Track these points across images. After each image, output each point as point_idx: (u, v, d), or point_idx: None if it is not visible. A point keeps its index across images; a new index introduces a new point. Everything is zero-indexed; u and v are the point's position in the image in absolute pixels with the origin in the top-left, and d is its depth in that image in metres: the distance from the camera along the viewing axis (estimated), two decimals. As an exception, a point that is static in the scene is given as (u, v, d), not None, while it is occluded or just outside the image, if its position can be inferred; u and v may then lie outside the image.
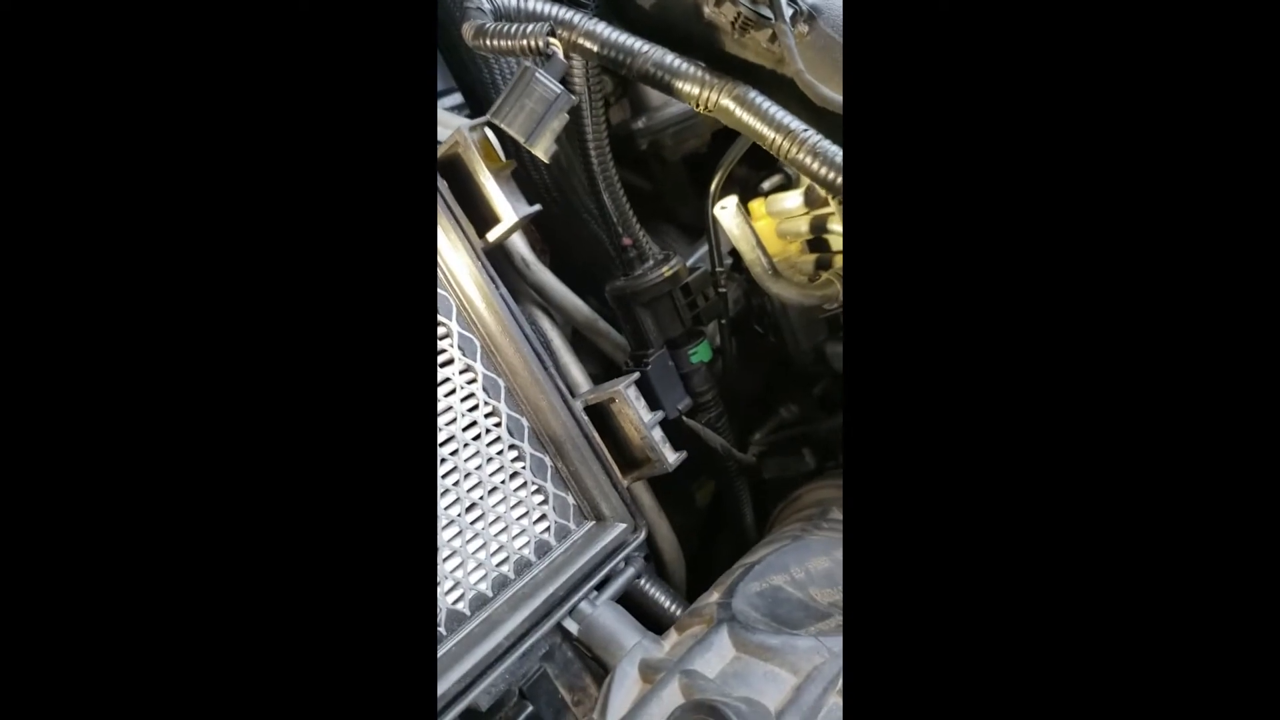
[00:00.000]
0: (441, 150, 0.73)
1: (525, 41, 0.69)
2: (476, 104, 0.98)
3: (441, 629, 0.66)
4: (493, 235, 0.73)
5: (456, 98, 1.03)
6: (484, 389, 0.72)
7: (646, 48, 0.74)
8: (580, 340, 1.01)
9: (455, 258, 0.71)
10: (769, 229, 0.95)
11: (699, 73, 0.74)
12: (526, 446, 0.73)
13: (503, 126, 0.69)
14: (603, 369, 1.03)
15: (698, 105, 0.75)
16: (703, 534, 1.14)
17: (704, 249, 1.05)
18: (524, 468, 0.73)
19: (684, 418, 0.93)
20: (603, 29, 0.74)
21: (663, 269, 0.92)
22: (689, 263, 1.03)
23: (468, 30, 0.72)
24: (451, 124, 0.88)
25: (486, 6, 0.75)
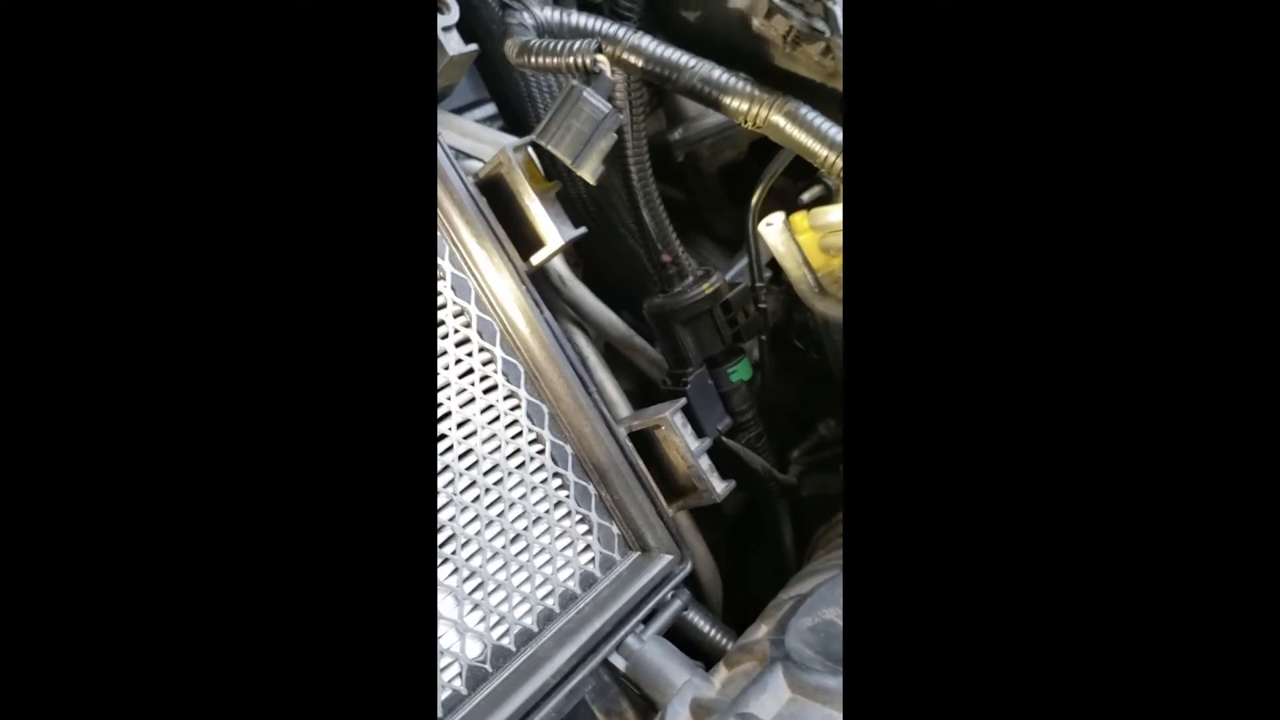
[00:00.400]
0: (485, 171, 0.71)
1: (572, 59, 0.66)
2: (511, 115, 0.96)
3: (487, 665, 0.64)
4: (537, 258, 0.71)
5: (490, 108, 1.00)
6: (528, 415, 0.70)
7: (693, 62, 0.72)
8: (613, 356, 0.99)
9: (499, 281, 0.69)
10: (811, 243, 0.93)
11: (748, 88, 0.71)
12: (570, 474, 0.71)
13: (549, 148, 0.66)
14: (637, 385, 1.01)
15: (746, 121, 0.73)
16: (730, 547, 1.12)
17: (742, 263, 1.03)
18: (568, 496, 0.71)
19: (724, 438, 0.91)
20: (648, 43, 0.72)
21: (703, 286, 0.90)
22: (728, 277, 1.00)
23: (511, 47, 0.69)
24: (487, 138, 0.86)
25: (529, 21, 0.73)
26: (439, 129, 0.79)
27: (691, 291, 0.89)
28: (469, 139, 0.86)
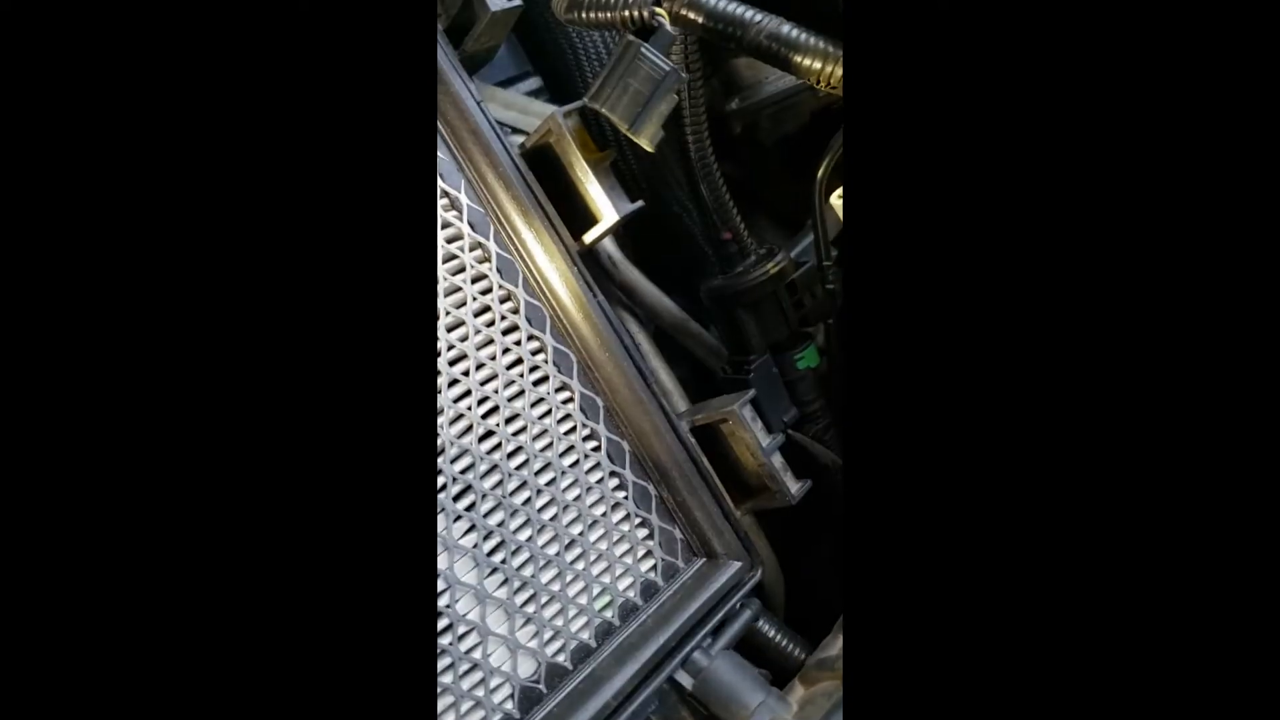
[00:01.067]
0: (532, 140, 0.64)
1: (628, 12, 0.60)
2: (559, 88, 0.90)
3: (541, 686, 0.58)
4: (590, 236, 0.64)
5: (534, 82, 0.94)
6: (581, 409, 0.64)
7: (760, 17, 0.65)
8: (664, 343, 0.92)
9: (548, 263, 0.63)
10: (884, 218, 0.85)
11: (821, 44, 0.64)
12: (628, 474, 0.65)
13: (603, 112, 0.60)
14: (690, 374, 0.94)
15: (819, 81, 0.66)
16: (786, 544, 1.05)
17: (807, 240, 0.95)
18: (626, 498, 0.65)
19: (790, 431, 0.84)
20: (708, -4, 0.65)
21: (767, 266, 0.82)
22: (792, 255, 0.93)
23: (558, 2, 0.63)
24: (533, 110, 0.80)
25: (578, -26, 0.66)
26: (484, 101, 0.73)
27: (754, 272, 0.82)
28: (513, 111, 0.80)
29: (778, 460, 0.67)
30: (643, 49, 0.59)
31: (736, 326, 0.84)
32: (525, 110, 0.80)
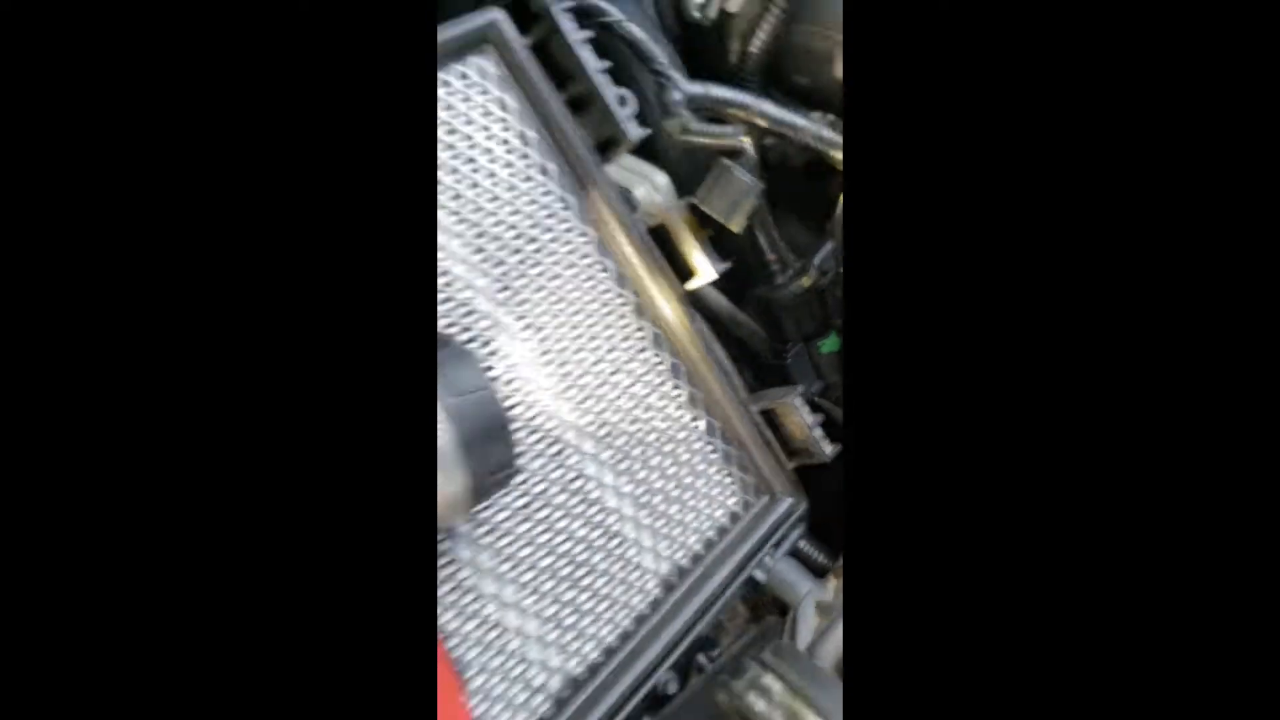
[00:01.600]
0: (655, 220, 0.94)
1: (724, 143, 0.88)
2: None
3: (675, 578, 0.92)
4: (692, 285, 0.95)
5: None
6: (689, 402, 0.96)
7: (804, 122, 0.94)
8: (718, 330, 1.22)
9: (666, 304, 0.93)
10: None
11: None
12: (719, 442, 0.97)
13: (705, 210, 0.89)
14: (738, 352, 1.25)
15: (849, 171, 0.95)
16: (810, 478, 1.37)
17: (826, 248, 1.25)
18: (718, 458, 0.97)
19: (816, 399, 1.17)
20: (770, 108, 0.94)
21: (802, 280, 1.13)
22: (817, 261, 1.22)
23: (675, 126, 0.91)
24: (647, 175, 1.07)
25: (679, 98, 0.94)
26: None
27: (791, 285, 1.12)
28: (630, 173, 1.08)
29: (818, 432, 0.99)
30: (732, 169, 0.88)
31: (778, 324, 1.16)
32: (642, 175, 1.07)
